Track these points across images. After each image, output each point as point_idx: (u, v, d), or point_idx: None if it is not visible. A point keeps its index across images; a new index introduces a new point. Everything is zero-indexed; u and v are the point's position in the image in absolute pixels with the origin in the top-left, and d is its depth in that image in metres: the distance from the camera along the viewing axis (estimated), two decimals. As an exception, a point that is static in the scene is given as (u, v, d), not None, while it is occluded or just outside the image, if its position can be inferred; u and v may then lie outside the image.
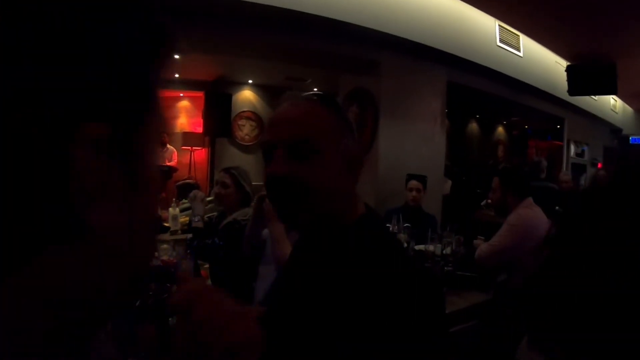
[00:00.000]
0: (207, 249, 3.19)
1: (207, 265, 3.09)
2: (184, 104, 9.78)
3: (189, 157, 9.28)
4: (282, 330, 1.04)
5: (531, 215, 3.14)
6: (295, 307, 1.05)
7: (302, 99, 1.04)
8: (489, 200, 3.87)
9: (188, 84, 8.94)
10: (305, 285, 1.05)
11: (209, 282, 2.99)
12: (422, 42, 5.14)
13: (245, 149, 9.44)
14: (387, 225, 3.33)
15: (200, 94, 8.81)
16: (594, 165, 11.17)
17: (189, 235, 3.66)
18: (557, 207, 5.25)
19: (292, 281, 1.15)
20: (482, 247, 3.24)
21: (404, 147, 5.38)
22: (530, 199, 3.23)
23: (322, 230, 1.04)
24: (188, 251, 3.02)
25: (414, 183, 4.43)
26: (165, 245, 3.17)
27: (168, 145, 9.07)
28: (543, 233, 3.04)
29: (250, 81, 9.38)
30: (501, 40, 6.32)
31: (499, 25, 6.27)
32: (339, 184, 1.01)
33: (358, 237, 1.00)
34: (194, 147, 9.30)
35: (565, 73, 7.34)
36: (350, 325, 0.85)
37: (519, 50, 6.70)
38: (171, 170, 8.74)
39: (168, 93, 9.38)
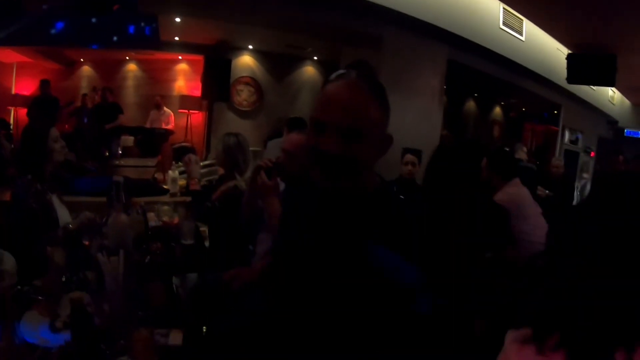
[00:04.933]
0: (207, 212, 3.27)
1: (205, 227, 3.19)
2: (183, 67, 9.72)
3: (185, 120, 9.26)
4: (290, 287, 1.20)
5: (518, 193, 3.25)
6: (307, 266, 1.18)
7: (354, 82, 1.13)
8: None
9: (187, 47, 8.89)
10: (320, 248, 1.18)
11: (206, 243, 3.10)
12: (426, 20, 5.16)
13: (243, 114, 9.44)
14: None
15: (199, 58, 8.76)
16: (587, 153, 11.29)
17: (189, 198, 3.73)
18: (546, 191, 5.37)
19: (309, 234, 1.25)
20: None
21: (401, 121, 5.43)
22: (517, 180, 3.31)
23: (352, 197, 1.17)
24: (189, 213, 3.11)
25: (409, 157, 4.51)
26: (166, 207, 3.26)
27: (165, 108, 9.05)
28: (530, 212, 3.16)
29: (250, 47, 9.31)
30: (504, 23, 6.33)
31: (504, 8, 6.28)
32: (372, 161, 1.17)
33: (378, 204, 1.17)
34: (191, 111, 9.28)
35: (565, 61, 7.37)
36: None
37: (521, 34, 6.71)
38: (167, 133, 8.75)
39: (167, 55, 9.35)
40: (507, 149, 4.99)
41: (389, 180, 3.94)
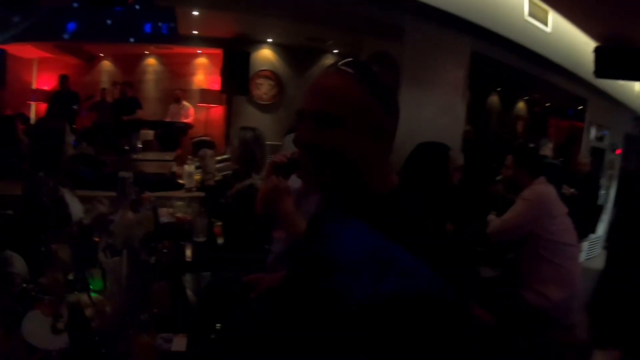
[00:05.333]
0: (221, 208, 3.20)
1: (219, 223, 3.10)
2: (202, 60, 9.70)
3: (205, 114, 9.24)
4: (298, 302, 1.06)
5: (546, 191, 3.09)
6: (313, 275, 1.04)
7: (334, 69, 1.06)
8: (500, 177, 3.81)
9: (206, 41, 8.86)
10: (328, 257, 1.03)
11: (221, 240, 3.01)
12: (448, 10, 5.00)
13: (262, 107, 9.37)
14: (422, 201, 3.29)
15: (218, 52, 8.72)
16: (613, 151, 10.93)
17: (204, 194, 3.67)
18: (571, 190, 5.19)
19: (314, 248, 1.13)
20: (495, 222, 3.21)
21: (423, 116, 5.30)
22: (543, 178, 3.16)
23: (350, 198, 1.06)
24: (203, 209, 3.03)
25: (430, 154, 4.38)
26: (180, 203, 3.18)
27: (184, 102, 9.06)
28: (557, 212, 3.01)
29: (269, 40, 9.24)
30: (530, 14, 6.12)
31: (529, -3, 6.08)
32: (364, 154, 1.03)
33: (387, 209, 1.02)
34: (210, 105, 9.27)
35: (593, 54, 7.12)
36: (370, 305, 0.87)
37: (547, 25, 6.49)
38: (186, 127, 8.76)
39: (186, 49, 9.36)
40: (532, 145, 4.85)
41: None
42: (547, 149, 6.71)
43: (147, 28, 8.08)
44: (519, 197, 3.13)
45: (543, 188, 3.09)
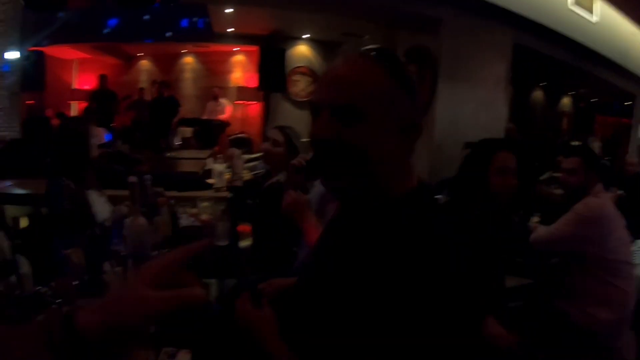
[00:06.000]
0: (247, 210, 3.11)
1: (245, 225, 3.00)
2: (239, 58, 9.75)
3: (242, 111, 9.27)
4: (309, 309, 0.99)
5: (601, 205, 2.73)
6: (325, 285, 0.97)
7: (355, 56, 0.93)
8: (560, 182, 3.18)
9: (243, 38, 8.86)
10: (339, 262, 0.96)
11: (247, 243, 2.91)
12: (488, 0, 4.78)
13: (299, 104, 9.29)
14: (438, 200, 3.12)
15: (254, 49, 8.72)
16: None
17: (230, 194, 3.58)
18: (618, 191, 4.88)
19: (325, 255, 1.06)
20: (541, 231, 2.93)
21: (463, 112, 5.11)
22: (601, 185, 2.82)
23: (367, 202, 0.94)
24: (226, 211, 2.94)
25: (468, 152, 4.18)
26: (206, 203, 3.10)
27: (221, 99, 9.11)
28: (614, 227, 2.68)
29: (305, 36, 9.17)
30: (574, 2, 5.82)
31: (573, -15, 5.79)
32: (388, 152, 0.91)
33: (403, 213, 0.90)
34: (248, 102, 9.27)
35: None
36: (377, 312, 0.81)
37: (592, 15, 6.16)
38: (224, 124, 8.79)
39: (222, 47, 9.41)
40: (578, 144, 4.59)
41: (449, 177, 3.59)
42: (596, 148, 6.37)
43: (182, 25, 8.14)
44: (573, 210, 2.77)
45: (601, 202, 2.75)
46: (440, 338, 0.80)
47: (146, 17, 6.86)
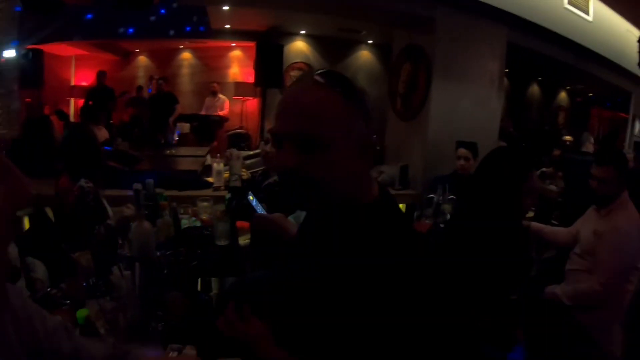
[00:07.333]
0: (246, 209, 3.17)
1: (244, 224, 3.07)
2: (236, 53, 9.74)
3: (240, 107, 9.28)
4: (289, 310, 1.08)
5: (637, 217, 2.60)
6: (298, 292, 1.06)
7: (310, 84, 0.97)
8: (592, 189, 2.83)
9: (239, 34, 8.88)
10: (310, 267, 1.06)
11: (247, 240, 2.98)
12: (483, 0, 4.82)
13: (296, 101, 9.35)
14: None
15: (251, 44, 8.74)
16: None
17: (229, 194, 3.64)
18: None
19: (297, 263, 1.15)
20: (583, 291, 2.66)
21: (457, 110, 5.14)
22: (627, 192, 2.68)
23: (332, 213, 1.04)
24: (225, 211, 3.01)
25: (462, 151, 4.22)
26: (206, 203, 3.16)
27: (220, 95, 9.15)
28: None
29: (302, 32, 9.19)
30: (569, 2, 5.87)
31: (568, -16, 5.84)
32: (350, 172, 0.99)
33: (367, 221, 1.00)
34: (245, 97, 9.30)
35: (637, 44, 6.79)
36: (349, 310, 0.91)
37: (588, 13, 6.21)
38: (222, 119, 8.83)
39: (220, 43, 9.41)
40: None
41: (442, 175, 3.66)
42: (590, 145, 6.41)
43: (180, 24, 8.16)
44: (615, 229, 2.59)
45: (635, 213, 2.63)
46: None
47: (152, 17, 6.88)
